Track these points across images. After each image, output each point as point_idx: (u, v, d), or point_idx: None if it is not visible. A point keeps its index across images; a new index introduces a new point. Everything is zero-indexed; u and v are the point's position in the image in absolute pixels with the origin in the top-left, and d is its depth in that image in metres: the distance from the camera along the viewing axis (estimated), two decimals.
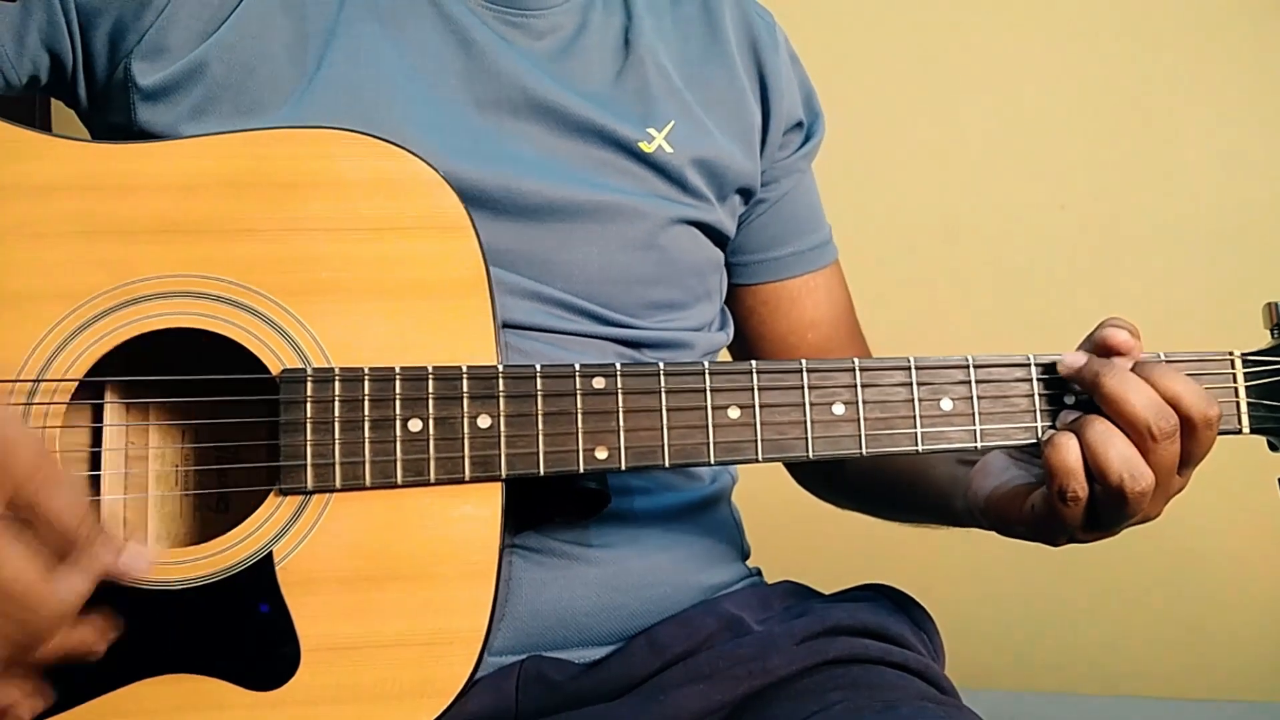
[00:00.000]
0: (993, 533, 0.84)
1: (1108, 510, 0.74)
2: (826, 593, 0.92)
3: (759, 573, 0.97)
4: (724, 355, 1.05)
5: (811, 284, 1.05)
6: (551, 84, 0.88)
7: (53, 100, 1.31)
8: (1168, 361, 0.78)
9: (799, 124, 1.01)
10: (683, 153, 0.91)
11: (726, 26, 0.97)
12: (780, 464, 1.05)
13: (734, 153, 0.94)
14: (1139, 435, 0.73)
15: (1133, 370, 0.74)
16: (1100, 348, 0.77)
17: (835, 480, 1.06)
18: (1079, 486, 0.73)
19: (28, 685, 0.65)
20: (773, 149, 0.99)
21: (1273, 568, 1.73)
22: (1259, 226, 1.72)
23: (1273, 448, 0.81)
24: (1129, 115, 1.75)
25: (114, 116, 0.85)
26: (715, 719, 0.78)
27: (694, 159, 0.92)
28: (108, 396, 0.76)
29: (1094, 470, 0.73)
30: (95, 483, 0.75)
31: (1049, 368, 0.78)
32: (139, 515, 0.76)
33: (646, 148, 0.90)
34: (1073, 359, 0.77)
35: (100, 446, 0.76)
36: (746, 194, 0.98)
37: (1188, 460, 0.75)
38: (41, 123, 1.57)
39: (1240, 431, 0.79)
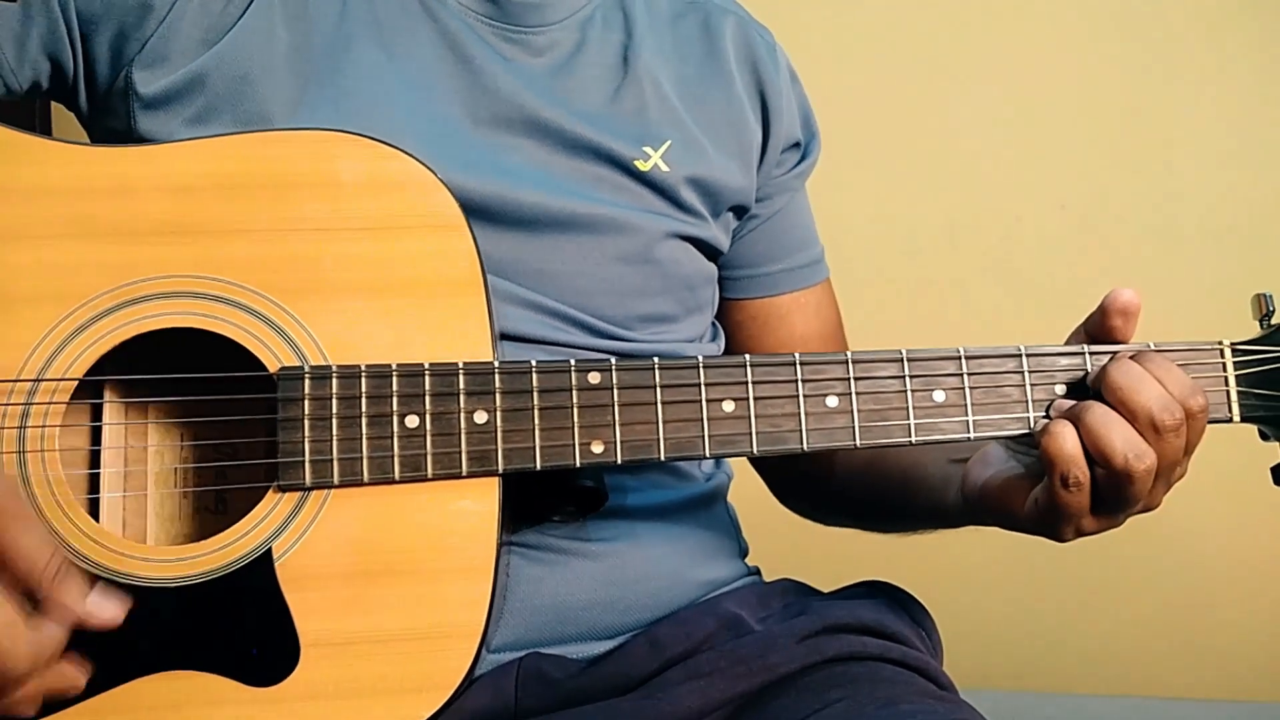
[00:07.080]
0: (992, 530, 0.84)
1: (1112, 494, 0.75)
2: (825, 590, 0.92)
3: (758, 571, 0.97)
4: None
5: (801, 301, 1.05)
6: (548, 102, 0.88)
7: (53, 104, 1.31)
8: (1158, 351, 0.78)
9: (796, 144, 1.02)
10: (678, 171, 0.91)
11: (726, 46, 0.97)
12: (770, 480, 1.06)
13: (730, 171, 0.94)
14: (1144, 428, 0.73)
15: (1131, 359, 0.75)
16: (1109, 308, 0.77)
17: (822, 493, 1.06)
18: (1080, 472, 0.73)
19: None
20: (769, 166, 0.99)
21: (1273, 567, 1.72)
22: (1260, 226, 1.72)
23: (1264, 437, 0.82)
24: (1129, 115, 1.75)
25: (113, 123, 0.85)
26: (715, 717, 0.78)
27: (689, 178, 0.92)
28: (107, 396, 0.77)
29: (1096, 455, 0.73)
30: (95, 482, 0.76)
31: (1040, 358, 0.78)
32: (138, 515, 0.77)
33: (642, 166, 0.90)
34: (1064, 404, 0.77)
35: (100, 446, 0.76)
36: (740, 211, 0.98)
37: (1185, 449, 0.75)
38: (42, 127, 1.58)
39: (1231, 420, 0.80)
